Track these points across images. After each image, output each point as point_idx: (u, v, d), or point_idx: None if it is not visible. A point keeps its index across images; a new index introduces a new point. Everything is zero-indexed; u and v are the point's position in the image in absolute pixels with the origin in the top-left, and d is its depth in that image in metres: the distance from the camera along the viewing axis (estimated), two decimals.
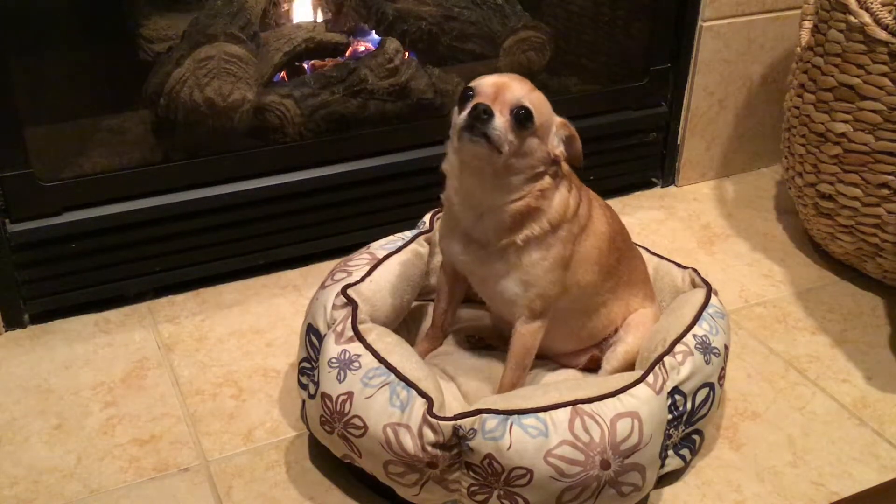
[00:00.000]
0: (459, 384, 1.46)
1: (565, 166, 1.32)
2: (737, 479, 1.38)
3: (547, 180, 1.28)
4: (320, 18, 2.02)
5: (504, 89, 1.23)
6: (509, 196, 1.27)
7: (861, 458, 1.42)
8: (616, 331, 1.45)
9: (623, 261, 1.43)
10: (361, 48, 2.02)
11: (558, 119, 1.29)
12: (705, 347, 1.34)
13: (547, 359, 1.50)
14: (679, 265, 1.58)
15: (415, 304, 1.58)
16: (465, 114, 1.21)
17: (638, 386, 1.25)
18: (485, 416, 1.18)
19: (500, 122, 1.20)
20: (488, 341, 1.56)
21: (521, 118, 1.22)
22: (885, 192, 1.69)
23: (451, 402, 1.40)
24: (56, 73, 1.74)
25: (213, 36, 1.74)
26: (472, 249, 1.33)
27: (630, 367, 1.40)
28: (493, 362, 1.49)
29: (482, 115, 1.19)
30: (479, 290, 1.43)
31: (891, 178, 1.68)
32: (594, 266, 1.37)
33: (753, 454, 1.43)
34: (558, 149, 1.29)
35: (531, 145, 1.25)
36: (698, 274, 1.52)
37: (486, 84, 1.24)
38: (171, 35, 1.82)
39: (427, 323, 1.60)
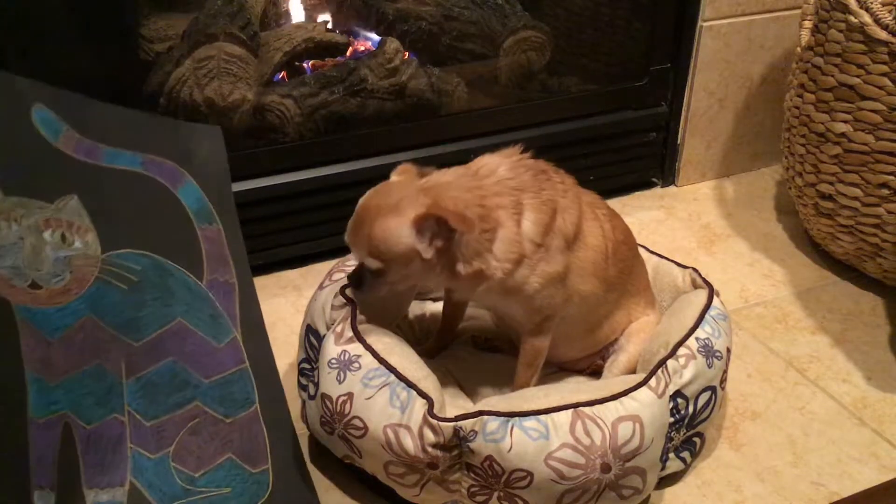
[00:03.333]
0: (465, 385, 1.47)
1: (498, 201, 1.23)
2: (737, 479, 1.38)
3: (459, 256, 1.23)
4: (320, 18, 2.02)
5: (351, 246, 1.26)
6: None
7: (861, 458, 1.42)
8: (617, 338, 1.44)
9: (626, 271, 1.41)
10: (361, 48, 2.02)
11: (409, 220, 1.18)
12: (708, 351, 1.33)
13: (550, 364, 1.49)
14: (679, 265, 1.57)
15: (413, 302, 1.58)
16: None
17: (640, 389, 1.24)
18: (486, 417, 1.18)
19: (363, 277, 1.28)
20: (494, 342, 1.57)
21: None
22: (885, 192, 1.69)
23: (457, 401, 1.40)
24: (56, 72, 1.73)
25: (213, 36, 1.74)
26: (460, 284, 1.31)
27: (631, 374, 1.39)
28: (500, 363, 1.49)
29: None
30: (481, 304, 1.43)
31: (891, 178, 1.67)
32: (591, 277, 1.35)
33: (753, 454, 1.43)
34: (434, 247, 1.20)
35: (398, 274, 1.24)
36: (699, 274, 1.51)
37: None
38: (171, 35, 1.82)
39: (426, 321, 1.60)
